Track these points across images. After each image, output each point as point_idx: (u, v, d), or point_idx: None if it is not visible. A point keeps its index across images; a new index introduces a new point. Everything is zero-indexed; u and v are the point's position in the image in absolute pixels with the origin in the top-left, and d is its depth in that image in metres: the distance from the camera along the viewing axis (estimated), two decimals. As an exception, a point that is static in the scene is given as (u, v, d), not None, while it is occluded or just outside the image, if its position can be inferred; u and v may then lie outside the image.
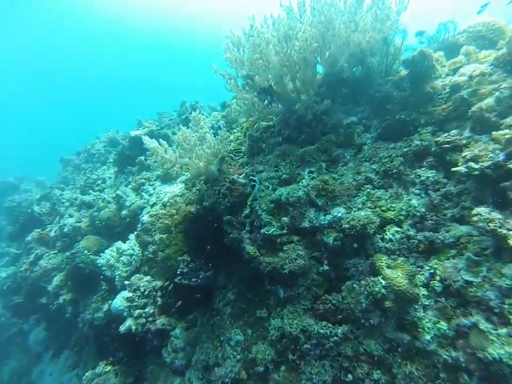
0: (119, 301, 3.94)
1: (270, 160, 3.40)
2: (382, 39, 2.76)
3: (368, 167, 2.77)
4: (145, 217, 5.17)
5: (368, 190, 2.68)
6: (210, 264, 3.37)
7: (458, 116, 2.38)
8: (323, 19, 2.80)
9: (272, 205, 3.03)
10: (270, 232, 2.92)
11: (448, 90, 2.51)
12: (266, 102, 3.26)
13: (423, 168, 2.43)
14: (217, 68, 3.36)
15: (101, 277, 4.89)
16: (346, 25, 2.76)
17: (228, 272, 3.48)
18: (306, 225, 2.78)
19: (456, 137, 2.24)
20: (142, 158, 7.22)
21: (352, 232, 2.45)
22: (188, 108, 8.83)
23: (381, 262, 2.33)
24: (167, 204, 4.20)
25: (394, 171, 2.54)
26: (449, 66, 2.75)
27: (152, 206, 5.40)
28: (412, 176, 2.48)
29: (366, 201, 2.64)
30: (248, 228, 3.11)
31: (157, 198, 5.47)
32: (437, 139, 2.38)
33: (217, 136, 3.51)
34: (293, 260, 2.69)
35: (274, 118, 3.74)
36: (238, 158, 3.90)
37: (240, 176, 3.38)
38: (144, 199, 5.84)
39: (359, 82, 3.13)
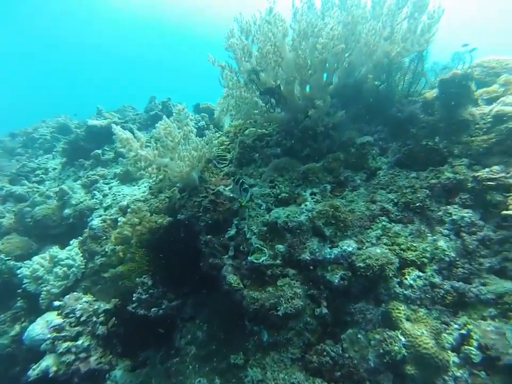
0: (39, 328, 3.10)
1: (265, 173, 2.95)
2: (415, 52, 2.45)
3: (385, 196, 2.43)
4: (95, 222, 4.39)
5: (383, 223, 2.33)
6: (177, 292, 2.75)
7: (504, 151, 2.14)
8: (350, 19, 2.45)
9: (265, 228, 2.56)
10: (260, 261, 2.43)
11: (490, 120, 2.28)
12: (269, 105, 2.80)
13: (454, 206, 2.13)
14: (215, 58, 2.86)
15: (19, 291, 3.79)
16: (377, 31, 2.41)
17: (198, 302, 2.88)
18: (307, 257, 2.34)
19: (501, 175, 1.96)
20: (99, 151, 6.37)
21: (367, 273, 2.03)
22: (158, 104, 8.11)
23: (399, 312, 1.95)
24: (129, 209, 3.51)
25: (417, 204, 2.22)
26: (480, 94, 2.52)
27: (106, 208, 4.63)
28: (439, 213, 2.17)
29: (381, 236, 2.27)
30: (232, 253, 2.59)
31: (113, 200, 4.72)
32: (476, 174, 2.09)
33: (203, 137, 2.96)
34: (289, 300, 2.23)
35: (270, 126, 3.29)
36: (222, 166, 3.38)
37: (227, 189, 2.85)
38: (96, 199, 5.03)
39: (377, 98, 2.82)
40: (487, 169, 2.13)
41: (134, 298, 2.84)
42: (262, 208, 2.73)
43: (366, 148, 2.71)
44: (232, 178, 2.89)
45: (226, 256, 2.63)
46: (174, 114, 3.07)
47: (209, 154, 2.88)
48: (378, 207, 2.43)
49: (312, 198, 2.66)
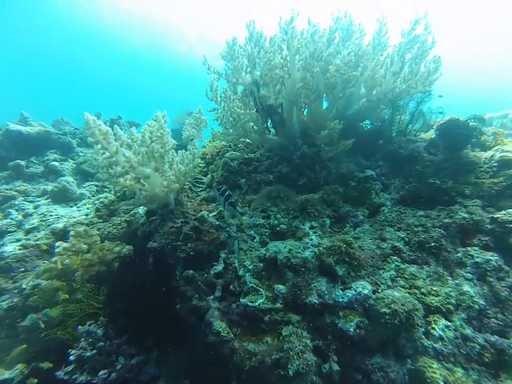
0: None
1: (255, 201, 2.62)
2: (418, 93, 2.47)
3: (394, 234, 2.26)
4: (9, 248, 3.46)
5: (396, 263, 2.13)
6: (139, 344, 2.11)
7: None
8: (359, 53, 2.38)
9: (262, 265, 2.18)
10: (256, 304, 2.01)
11: (495, 164, 2.33)
12: (265, 124, 2.54)
13: (474, 248, 2.01)
14: (210, 65, 2.55)
15: None
16: (387, 66, 2.39)
17: (164, 356, 2.25)
18: (314, 300, 2.01)
19: (523, 218, 1.92)
20: (22, 163, 5.29)
21: (393, 320, 1.75)
22: (105, 122, 7.27)
23: (433, 372, 1.68)
24: (71, 233, 2.76)
25: (432, 244, 2.08)
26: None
27: (28, 232, 3.68)
28: (457, 255, 2.06)
29: (396, 277, 2.07)
30: (218, 293, 2.12)
31: (42, 221, 3.79)
32: (495, 216, 2.03)
33: (185, 153, 2.52)
34: (300, 354, 1.81)
35: (258, 149, 3.00)
36: (198, 190, 2.93)
37: (211, 215, 2.40)
38: (11, 219, 4.01)
39: (375, 133, 2.76)
40: (503, 212, 2.10)
41: (71, 357, 2.08)
42: (255, 240, 2.35)
43: (369, 183, 2.57)
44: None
45: (212, 297, 2.12)
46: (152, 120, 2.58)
47: (192, 173, 2.43)
48: (389, 246, 2.23)
49: (314, 232, 2.36)
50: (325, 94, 2.65)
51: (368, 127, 3.06)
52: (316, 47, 2.38)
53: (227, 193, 2.33)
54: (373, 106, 2.76)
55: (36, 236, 3.61)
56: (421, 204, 2.44)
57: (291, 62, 2.42)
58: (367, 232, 2.41)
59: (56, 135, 5.91)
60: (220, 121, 2.79)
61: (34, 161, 5.55)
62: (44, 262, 3.19)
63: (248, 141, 3.14)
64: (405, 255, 2.20)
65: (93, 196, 4.77)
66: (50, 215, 3.94)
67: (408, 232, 2.30)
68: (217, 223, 2.40)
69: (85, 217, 3.74)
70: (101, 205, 3.76)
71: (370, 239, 2.35)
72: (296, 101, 2.56)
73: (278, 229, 2.39)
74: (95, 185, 4.99)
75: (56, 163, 5.37)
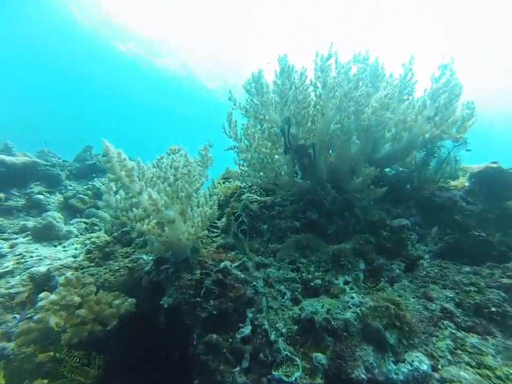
0: None
1: (281, 251, 2.35)
2: (452, 138, 2.38)
3: (441, 293, 2.02)
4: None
5: (450, 329, 1.87)
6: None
7: None
8: (389, 93, 2.29)
9: (296, 327, 1.85)
10: (292, 379, 1.68)
11: None
12: (296, 166, 2.34)
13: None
14: (235, 99, 2.38)
15: None
16: (418, 110, 2.29)
17: None
18: (362, 375, 1.68)
19: None
20: (1, 195, 4.82)
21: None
22: (94, 155, 6.97)
23: None
24: (61, 280, 2.34)
25: (492, 309, 1.81)
26: None
27: (0, 276, 3.18)
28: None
29: (455, 349, 1.76)
30: (246, 364, 1.75)
31: (18, 263, 3.30)
32: None
33: (206, 192, 2.25)
34: None
35: (278, 193, 2.77)
36: (213, 235, 2.62)
37: (234, 265, 2.09)
38: (-18, 260, 3.53)
39: (402, 178, 2.60)
40: None
41: None
42: (286, 297, 2.04)
43: (404, 233, 2.35)
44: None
45: (238, 368, 1.74)
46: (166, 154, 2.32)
47: (215, 215, 2.14)
48: (438, 307, 1.97)
49: (350, 289, 2.07)
50: (354, 135, 2.51)
51: (393, 171, 2.92)
52: (350, 86, 2.27)
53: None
54: (401, 150, 2.62)
55: (10, 282, 3.09)
56: (464, 258, 2.22)
57: (325, 100, 2.28)
58: (408, 289, 2.14)
59: (44, 166, 5.51)
60: (248, 162, 2.55)
61: (16, 193, 5.09)
62: (14, 317, 2.70)
63: (259, 181, 2.91)
64: (459, 320, 1.93)
65: (82, 234, 4.32)
66: (30, 256, 3.45)
67: (457, 291, 2.05)
68: (242, 276, 2.07)
69: (73, 259, 3.29)
70: (93, 245, 3.33)
71: (414, 298, 2.08)
72: (328, 142, 2.39)
73: (311, 284, 2.09)
74: (84, 222, 4.55)
75: (40, 196, 4.93)
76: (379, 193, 2.44)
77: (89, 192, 5.11)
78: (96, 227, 4.52)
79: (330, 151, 2.65)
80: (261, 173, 2.58)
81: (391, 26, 18.37)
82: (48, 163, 5.72)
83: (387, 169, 3.02)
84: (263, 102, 2.36)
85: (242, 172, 2.78)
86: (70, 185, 5.65)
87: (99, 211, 4.80)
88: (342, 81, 2.26)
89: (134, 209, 1.64)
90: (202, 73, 29.75)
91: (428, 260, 2.28)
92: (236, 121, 2.59)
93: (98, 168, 6.22)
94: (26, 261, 3.33)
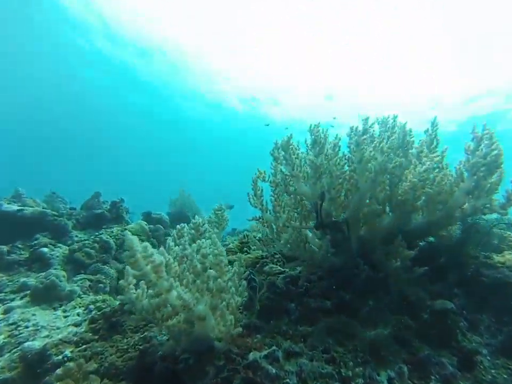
0: None
1: (313, 337, 2.03)
2: (495, 212, 2.19)
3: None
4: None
5: None
6: None
7: None
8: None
9: None
10: None
11: None
12: (327, 242, 2.13)
13: None
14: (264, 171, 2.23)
15: None
16: (456, 182, 2.15)
17: None
18: None
19: None
20: (4, 248, 4.58)
21: None
22: (103, 202, 6.80)
23: None
24: (58, 371, 2.01)
25: None
26: None
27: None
28: None
29: None
30: None
31: (11, 335, 2.95)
32: None
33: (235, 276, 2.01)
34: None
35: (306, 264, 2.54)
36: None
37: (262, 355, 1.80)
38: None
39: (436, 251, 2.39)
40: None
41: None
42: (326, 401, 1.69)
43: (450, 318, 2.06)
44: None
45: None
46: (191, 230, 2.12)
47: (242, 298, 1.88)
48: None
49: (397, 391, 1.76)
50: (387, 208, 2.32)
51: (425, 242, 2.70)
52: (384, 159, 2.12)
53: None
54: (436, 223, 2.42)
55: (-5, 365, 2.69)
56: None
57: (360, 174, 2.12)
58: (468, 395, 1.81)
59: (52, 217, 5.29)
60: (274, 232, 2.35)
61: (19, 245, 4.82)
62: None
63: (284, 251, 2.68)
64: None
65: (85, 294, 3.98)
66: (26, 326, 3.06)
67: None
68: (274, 370, 1.76)
69: (75, 329, 2.94)
70: (98, 312, 3.00)
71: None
72: (362, 217, 2.20)
73: (352, 383, 1.77)
74: (89, 280, 4.22)
75: (45, 249, 4.65)
76: (418, 273, 2.20)
77: (96, 245, 4.84)
78: (101, 285, 4.20)
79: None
80: (288, 246, 2.35)
81: (390, 20, 18.28)
82: (56, 213, 5.50)
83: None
84: (294, 174, 2.20)
85: (266, 242, 2.57)
86: (77, 236, 5.39)
87: (105, 266, 4.51)
88: (376, 153, 2.12)
89: (160, 308, 1.39)
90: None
91: (488, 358, 1.96)
92: (261, 189, 2.42)
93: (107, 217, 6.00)
94: (21, 333, 2.94)
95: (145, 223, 6.17)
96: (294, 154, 2.21)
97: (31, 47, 25.91)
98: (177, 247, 1.92)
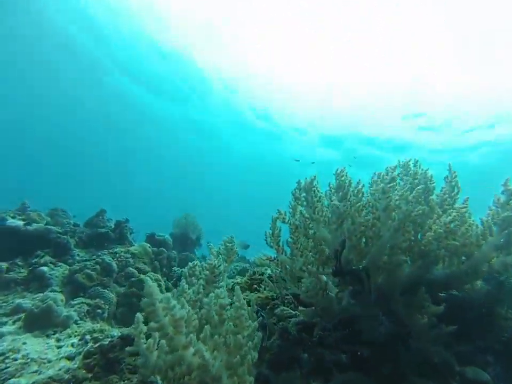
0: None
1: (328, 395, 1.83)
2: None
3: None
4: None
5: None
6: None
7: None
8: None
9: None
10: None
11: None
12: (346, 292, 2.01)
13: None
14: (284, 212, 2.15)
15: None
16: (482, 235, 2.06)
17: None
18: None
19: None
20: (3, 266, 4.44)
21: None
22: (107, 220, 6.71)
23: None
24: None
25: None
26: None
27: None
28: None
29: None
30: None
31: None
32: None
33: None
34: None
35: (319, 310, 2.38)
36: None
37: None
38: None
39: (463, 307, 2.23)
40: None
41: None
42: None
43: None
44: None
45: None
46: (206, 271, 2.00)
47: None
48: None
49: None
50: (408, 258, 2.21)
51: (447, 295, 2.55)
52: (409, 208, 2.03)
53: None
54: (459, 276, 2.29)
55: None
56: None
57: (384, 223, 2.01)
58: None
59: (55, 233, 5.17)
60: (288, 273, 2.24)
61: (19, 262, 4.67)
62: None
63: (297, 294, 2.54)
64: None
65: (82, 320, 3.79)
66: (14, 359, 2.83)
67: None
68: None
69: (67, 365, 2.74)
70: (95, 345, 2.81)
71: None
72: (383, 265, 2.08)
73: None
74: (87, 304, 4.04)
75: (45, 268, 4.50)
76: (445, 332, 2.04)
77: (97, 267, 4.69)
78: (99, 310, 4.01)
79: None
80: (303, 288, 2.22)
81: (392, 16, 17.95)
82: (60, 230, 5.39)
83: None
84: (315, 218, 2.11)
85: (278, 283, 2.44)
86: (78, 255, 5.25)
87: (105, 290, 4.33)
88: (401, 203, 2.03)
89: (176, 366, 1.25)
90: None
91: None
92: (279, 229, 2.32)
93: (110, 237, 5.87)
94: (7, 366, 2.68)
95: (149, 245, 6.03)
96: (316, 197, 2.13)
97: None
98: (191, 290, 1.80)
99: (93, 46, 21.80)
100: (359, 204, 2.11)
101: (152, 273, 4.92)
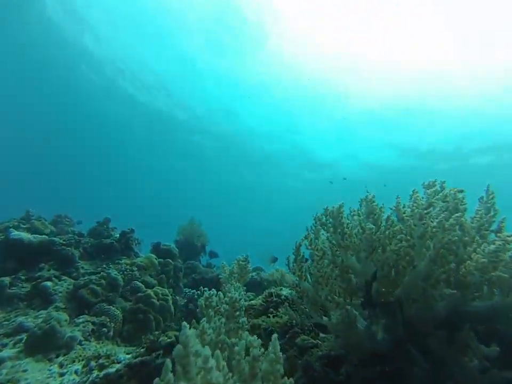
0: None
1: None
2: None
3: None
4: None
5: None
6: None
7: None
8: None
9: None
10: None
11: None
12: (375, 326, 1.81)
13: None
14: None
15: None
16: None
17: None
18: None
19: None
20: (6, 281, 4.25)
21: None
22: (112, 229, 6.52)
23: None
24: None
25: None
26: None
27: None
28: None
29: None
30: None
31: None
32: None
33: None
34: None
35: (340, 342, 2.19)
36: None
37: None
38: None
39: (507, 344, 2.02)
40: None
41: None
42: None
43: None
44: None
45: None
46: (226, 305, 1.80)
47: None
48: None
49: None
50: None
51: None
52: (446, 235, 1.83)
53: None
54: (503, 309, 2.08)
55: None
56: None
57: (418, 252, 1.81)
58: None
59: (59, 246, 4.97)
60: (311, 307, 2.03)
61: (22, 276, 4.48)
62: None
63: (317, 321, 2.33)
64: None
65: (87, 340, 3.58)
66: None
67: None
68: None
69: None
70: (100, 375, 2.61)
71: None
72: (418, 299, 1.87)
73: None
74: (92, 323, 3.83)
75: (48, 283, 4.31)
76: (502, 377, 1.83)
77: (102, 281, 4.49)
78: (104, 329, 3.81)
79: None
80: (333, 321, 2.01)
81: (392, 16, 17.88)
82: (64, 241, 5.20)
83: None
84: (343, 245, 1.91)
85: (300, 311, 2.24)
86: (83, 267, 5.06)
87: (111, 307, 4.13)
88: (438, 231, 1.83)
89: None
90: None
91: None
92: (303, 256, 2.12)
93: (115, 248, 5.67)
94: None
95: (155, 256, 5.83)
96: (345, 224, 1.93)
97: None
98: (210, 329, 1.60)
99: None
100: (390, 230, 1.91)
101: (159, 287, 4.72)
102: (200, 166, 38.53)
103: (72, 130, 35.29)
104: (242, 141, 30.70)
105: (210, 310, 1.96)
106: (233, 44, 20.29)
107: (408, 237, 1.87)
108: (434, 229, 1.81)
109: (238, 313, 1.85)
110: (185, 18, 18.75)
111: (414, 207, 1.83)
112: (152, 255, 5.95)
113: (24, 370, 2.83)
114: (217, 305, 2.03)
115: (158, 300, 4.36)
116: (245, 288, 3.40)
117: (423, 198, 2.00)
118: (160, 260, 5.92)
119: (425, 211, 1.81)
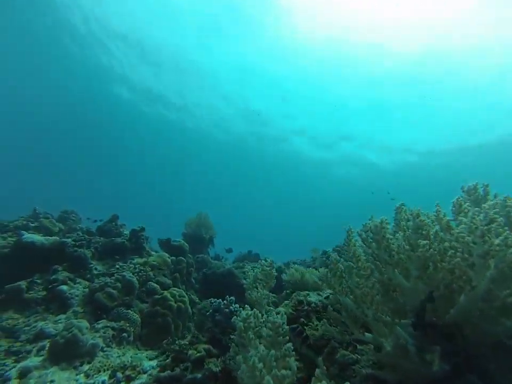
0: None
1: None
2: None
3: None
4: None
5: None
6: None
7: None
8: None
9: None
10: None
11: None
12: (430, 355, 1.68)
13: None
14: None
15: None
16: None
17: None
18: None
19: None
20: (23, 285, 4.15)
21: None
22: (120, 226, 6.40)
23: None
24: None
25: None
26: None
27: None
28: None
29: None
30: None
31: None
32: None
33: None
34: None
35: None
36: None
37: None
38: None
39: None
40: None
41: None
42: None
43: None
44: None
45: None
46: (270, 331, 1.66)
47: None
48: None
49: None
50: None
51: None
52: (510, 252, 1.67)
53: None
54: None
55: None
56: None
57: (479, 271, 1.66)
58: None
59: (72, 248, 4.84)
60: (352, 324, 1.90)
61: (38, 280, 4.37)
62: None
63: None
64: None
65: (108, 346, 3.49)
66: None
67: None
68: None
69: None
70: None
71: None
72: (478, 322, 1.73)
73: None
74: (112, 328, 3.73)
75: (64, 287, 4.20)
76: None
77: (118, 284, 4.37)
78: (125, 334, 3.72)
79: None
80: (387, 349, 1.88)
81: (392, 17, 17.78)
82: (76, 242, 5.06)
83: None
84: (391, 262, 1.76)
85: (340, 328, 2.11)
86: (96, 268, 4.95)
87: (129, 311, 4.03)
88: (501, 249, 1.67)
89: None
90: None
91: None
92: (342, 270, 1.97)
93: (126, 248, 5.55)
94: None
95: (167, 255, 5.72)
96: (390, 240, 1.77)
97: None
98: (260, 364, 1.46)
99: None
100: (441, 246, 1.75)
101: (175, 288, 4.60)
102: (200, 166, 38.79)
103: (72, 130, 35.24)
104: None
105: (250, 332, 1.83)
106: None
107: (466, 255, 1.72)
108: (498, 247, 1.66)
109: (282, 338, 1.72)
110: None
111: (473, 223, 1.66)
112: (165, 253, 5.83)
113: (51, 381, 2.74)
114: (256, 326, 1.91)
115: (175, 302, 4.26)
116: (270, 294, 3.29)
117: (476, 212, 1.82)
118: (172, 258, 5.80)
119: (485, 227, 1.65)
